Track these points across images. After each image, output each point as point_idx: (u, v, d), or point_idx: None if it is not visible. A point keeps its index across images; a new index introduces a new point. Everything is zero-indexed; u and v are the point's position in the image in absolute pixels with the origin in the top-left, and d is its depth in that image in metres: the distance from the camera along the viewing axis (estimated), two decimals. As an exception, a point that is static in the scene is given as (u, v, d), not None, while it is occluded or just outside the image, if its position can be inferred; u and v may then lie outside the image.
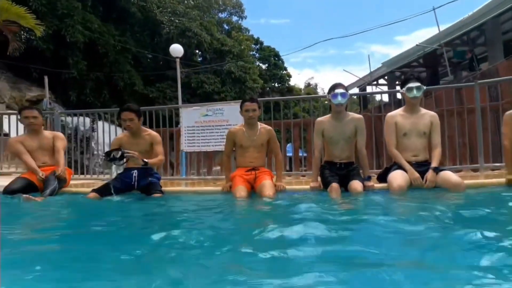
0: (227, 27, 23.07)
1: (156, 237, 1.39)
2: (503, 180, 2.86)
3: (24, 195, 2.65)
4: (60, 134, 3.53)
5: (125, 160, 2.69)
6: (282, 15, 76.69)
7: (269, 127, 3.07)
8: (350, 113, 3.01)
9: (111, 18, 15.25)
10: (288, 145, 7.01)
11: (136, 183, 2.88)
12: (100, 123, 6.21)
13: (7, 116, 5.12)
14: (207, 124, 4.45)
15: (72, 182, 3.70)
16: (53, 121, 5.42)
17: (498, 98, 6.61)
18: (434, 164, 2.77)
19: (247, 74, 17.88)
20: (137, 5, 16.29)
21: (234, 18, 24.07)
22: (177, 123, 4.83)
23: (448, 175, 2.69)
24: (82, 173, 5.31)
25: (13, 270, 1.02)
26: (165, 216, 2.32)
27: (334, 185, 2.65)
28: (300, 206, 2.13)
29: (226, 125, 4.29)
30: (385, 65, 14.68)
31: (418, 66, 15.69)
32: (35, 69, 12.79)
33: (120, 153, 2.67)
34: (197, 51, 19.19)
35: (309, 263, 1.07)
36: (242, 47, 18.68)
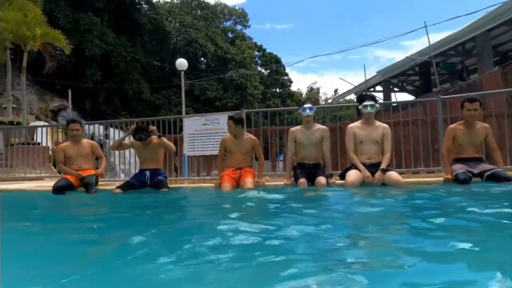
0: (231, 36, 23.99)
1: (164, 220, 2.07)
2: (441, 178, 3.56)
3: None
4: (95, 143, 4.23)
5: (149, 137, 3.66)
6: (286, 20, 77.90)
7: (253, 137, 3.83)
8: (317, 124, 3.76)
9: (123, 30, 16.26)
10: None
11: (148, 180, 3.68)
12: (111, 130, 7.03)
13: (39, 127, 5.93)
14: (205, 132, 5.21)
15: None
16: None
17: (483, 109, 7.28)
18: (382, 165, 3.48)
19: (248, 81, 18.69)
20: (148, 17, 17.29)
21: (238, 27, 25.01)
22: (181, 130, 5.60)
23: (392, 175, 3.39)
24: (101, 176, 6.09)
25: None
26: (170, 205, 3.07)
27: (301, 180, 3.39)
28: (272, 197, 2.85)
29: (222, 132, 5.03)
30: (380, 74, 15.33)
31: (413, 74, 16.32)
32: (58, 81, 13.83)
33: (146, 133, 3.64)
34: (202, 58, 20.11)
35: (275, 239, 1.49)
36: (244, 55, 19.54)
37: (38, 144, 6.32)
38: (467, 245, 1.21)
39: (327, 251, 1.24)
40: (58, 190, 3.58)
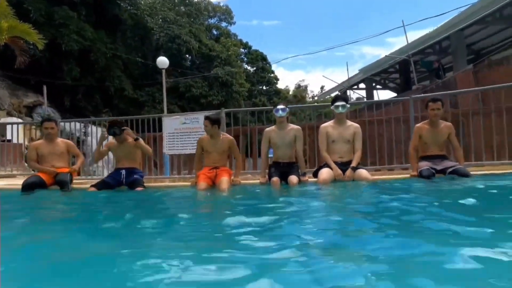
0: (216, 33, 23.84)
1: (133, 219, 2.14)
2: (408, 175, 3.75)
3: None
4: (71, 142, 4.16)
5: (123, 133, 3.63)
6: (274, 17, 77.77)
7: (230, 137, 3.91)
8: (291, 124, 3.87)
9: (103, 25, 15.89)
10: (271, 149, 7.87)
11: (124, 179, 3.68)
12: (90, 128, 6.96)
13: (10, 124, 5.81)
14: (185, 131, 5.24)
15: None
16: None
17: (457, 106, 7.62)
18: (353, 164, 3.63)
19: (234, 79, 18.68)
20: (128, 12, 16.94)
21: (223, 24, 24.87)
22: (162, 128, 5.61)
23: (362, 172, 3.55)
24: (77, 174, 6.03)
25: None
26: (144, 204, 3.11)
27: (274, 179, 3.50)
28: (247, 195, 2.95)
29: (201, 131, 5.07)
30: (362, 72, 15.66)
31: (394, 72, 16.75)
32: (32, 76, 13.38)
33: (120, 129, 3.62)
34: (187, 55, 19.92)
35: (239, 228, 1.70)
36: (229, 52, 19.49)
37: (9, 140, 6.18)
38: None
39: (282, 246, 1.30)
40: (27, 187, 3.51)
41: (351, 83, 16.63)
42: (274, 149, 3.83)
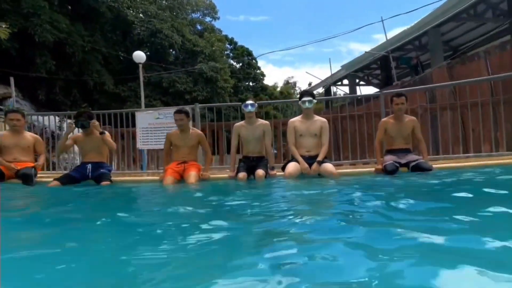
0: (200, 28, 23.57)
1: (93, 214, 2.14)
2: (373, 169, 3.86)
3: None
4: (40, 139, 4.06)
5: (89, 126, 3.61)
6: (261, 12, 77.51)
7: (200, 132, 3.92)
8: (260, 119, 3.91)
9: (79, 18, 15.41)
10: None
11: (90, 173, 3.64)
12: (66, 123, 6.79)
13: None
14: (159, 126, 5.21)
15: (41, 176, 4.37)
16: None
17: (434, 101, 7.86)
18: (319, 158, 3.70)
19: (219, 75, 18.55)
20: (106, 5, 16.46)
21: (208, 19, 24.60)
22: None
23: (327, 166, 3.63)
24: (49, 169, 5.92)
25: None
26: (110, 198, 3.10)
27: (240, 175, 3.56)
28: (210, 189, 2.98)
29: (175, 126, 5.06)
30: (344, 68, 15.83)
31: (377, 68, 17.01)
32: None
33: (88, 122, 3.59)
34: (171, 50, 19.65)
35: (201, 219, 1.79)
36: (214, 48, 19.33)
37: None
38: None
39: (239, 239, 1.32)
40: None
41: (334, 80, 16.81)
42: (244, 143, 3.88)
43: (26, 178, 3.51)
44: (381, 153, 3.95)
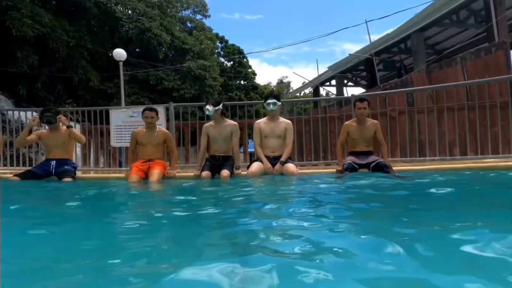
0: (190, 25, 23.49)
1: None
2: (334, 170, 3.99)
3: None
4: None
5: (56, 122, 3.64)
6: (256, 11, 77.45)
7: (166, 130, 3.99)
8: (228, 120, 4.01)
9: (64, 13, 15.15)
10: (250, 140, 7.91)
11: (53, 170, 3.67)
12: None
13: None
14: (133, 124, 5.25)
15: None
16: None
17: (413, 104, 8.04)
18: (283, 158, 3.82)
19: (207, 73, 18.55)
20: (93, 0, 16.24)
21: (198, 17, 24.52)
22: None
23: (289, 166, 3.75)
24: (30, 165, 5.90)
25: None
26: (70, 195, 3.16)
27: (203, 174, 3.65)
28: (171, 187, 3.06)
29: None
30: (331, 69, 16.02)
31: (364, 70, 17.25)
32: None
33: (55, 117, 3.65)
34: (161, 47, 19.54)
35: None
36: (203, 46, 19.30)
37: None
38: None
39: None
40: None
41: (321, 80, 16.99)
42: (212, 142, 3.96)
43: None
44: (342, 155, 4.09)
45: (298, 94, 24.22)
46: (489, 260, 0.87)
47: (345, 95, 16.35)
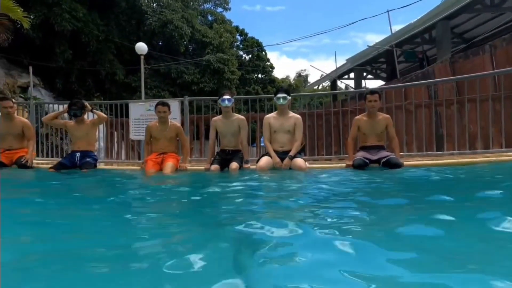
0: (210, 18, 23.64)
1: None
2: (344, 165, 4.00)
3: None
4: (28, 123, 4.29)
5: (81, 115, 3.99)
6: (278, 2, 76.27)
7: (178, 124, 4.16)
8: (236, 114, 4.10)
9: (96, 7, 15.73)
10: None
11: (78, 161, 3.98)
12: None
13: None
14: (150, 117, 5.48)
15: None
16: (29, 111, 6.37)
17: (435, 97, 7.76)
18: (291, 153, 3.88)
19: (226, 66, 18.69)
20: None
21: (219, 10, 24.59)
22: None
23: (297, 161, 3.81)
24: (62, 156, 6.33)
25: None
26: (87, 184, 3.40)
27: (212, 167, 3.80)
28: (181, 180, 3.24)
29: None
30: (349, 62, 15.64)
31: (384, 62, 16.68)
32: (25, 56, 13.46)
33: (81, 110, 3.98)
34: (182, 41, 19.87)
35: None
36: (222, 39, 19.41)
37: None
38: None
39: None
40: None
41: (339, 73, 16.64)
42: (221, 137, 4.09)
43: (23, 166, 3.94)
44: (353, 149, 4.08)
45: (316, 87, 23.81)
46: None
47: (364, 87, 15.96)
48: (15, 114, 4.23)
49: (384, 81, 18.47)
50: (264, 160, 3.85)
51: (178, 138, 4.16)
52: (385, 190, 2.48)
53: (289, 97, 3.99)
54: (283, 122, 3.98)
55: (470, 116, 5.06)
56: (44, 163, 4.87)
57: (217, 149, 4.21)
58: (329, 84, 18.12)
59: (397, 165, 3.66)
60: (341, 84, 17.53)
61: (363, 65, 15.89)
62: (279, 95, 3.95)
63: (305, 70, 50.43)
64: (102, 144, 6.09)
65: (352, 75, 18.04)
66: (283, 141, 3.98)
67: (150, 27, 18.16)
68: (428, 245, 1.02)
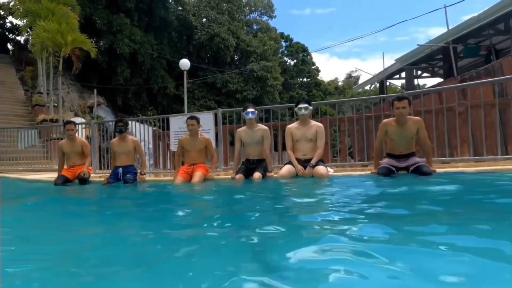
0: (256, 27, 24.30)
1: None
2: (369, 172, 3.88)
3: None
4: (85, 142, 5.01)
5: (125, 131, 4.57)
6: (328, 4, 74.81)
7: (207, 137, 4.46)
8: (260, 125, 4.26)
9: (152, 28, 17.42)
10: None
11: (121, 176, 4.49)
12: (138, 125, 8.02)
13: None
14: (187, 130, 5.91)
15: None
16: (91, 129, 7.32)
17: (503, 95, 6.99)
18: (313, 161, 3.89)
19: (269, 73, 19.02)
20: (175, 13, 18.30)
21: (264, 18, 25.17)
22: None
23: (319, 169, 3.81)
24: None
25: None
26: (128, 196, 3.84)
27: (237, 176, 3.98)
28: (212, 189, 3.51)
29: (201, 130, 5.68)
30: (399, 61, 14.72)
31: (441, 59, 15.32)
32: (94, 80, 15.60)
33: (125, 127, 4.57)
34: (228, 51, 20.82)
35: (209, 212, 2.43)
36: (266, 47, 19.83)
37: (59, 139, 7.58)
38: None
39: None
40: (60, 183, 4.53)
41: (388, 73, 15.74)
42: (245, 146, 4.28)
43: (84, 181, 4.57)
44: (379, 156, 3.93)
45: (367, 88, 22.75)
46: None
47: (417, 88, 14.84)
48: (76, 135, 4.96)
49: (442, 78, 16.96)
50: (286, 168, 3.93)
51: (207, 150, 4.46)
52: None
53: (310, 107, 4.02)
54: (305, 131, 4.03)
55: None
56: (103, 176, 5.57)
57: (242, 158, 4.40)
58: (375, 85, 17.22)
59: (425, 173, 3.44)
60: (389, 85, 16.55)
61: (415, 64, 14.82)
62: (301, 105, 4.01)
63: (355, 70, 48.40)
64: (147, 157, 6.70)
65: (403, 74, 16.94)
66: (305, 150, 4.02)
67: (199, 41, 19.40)
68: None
